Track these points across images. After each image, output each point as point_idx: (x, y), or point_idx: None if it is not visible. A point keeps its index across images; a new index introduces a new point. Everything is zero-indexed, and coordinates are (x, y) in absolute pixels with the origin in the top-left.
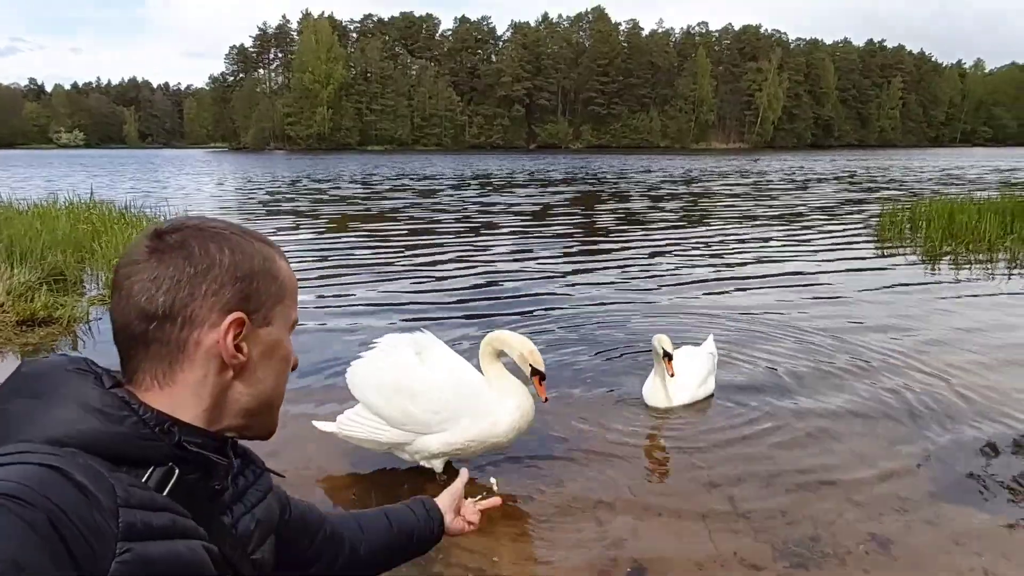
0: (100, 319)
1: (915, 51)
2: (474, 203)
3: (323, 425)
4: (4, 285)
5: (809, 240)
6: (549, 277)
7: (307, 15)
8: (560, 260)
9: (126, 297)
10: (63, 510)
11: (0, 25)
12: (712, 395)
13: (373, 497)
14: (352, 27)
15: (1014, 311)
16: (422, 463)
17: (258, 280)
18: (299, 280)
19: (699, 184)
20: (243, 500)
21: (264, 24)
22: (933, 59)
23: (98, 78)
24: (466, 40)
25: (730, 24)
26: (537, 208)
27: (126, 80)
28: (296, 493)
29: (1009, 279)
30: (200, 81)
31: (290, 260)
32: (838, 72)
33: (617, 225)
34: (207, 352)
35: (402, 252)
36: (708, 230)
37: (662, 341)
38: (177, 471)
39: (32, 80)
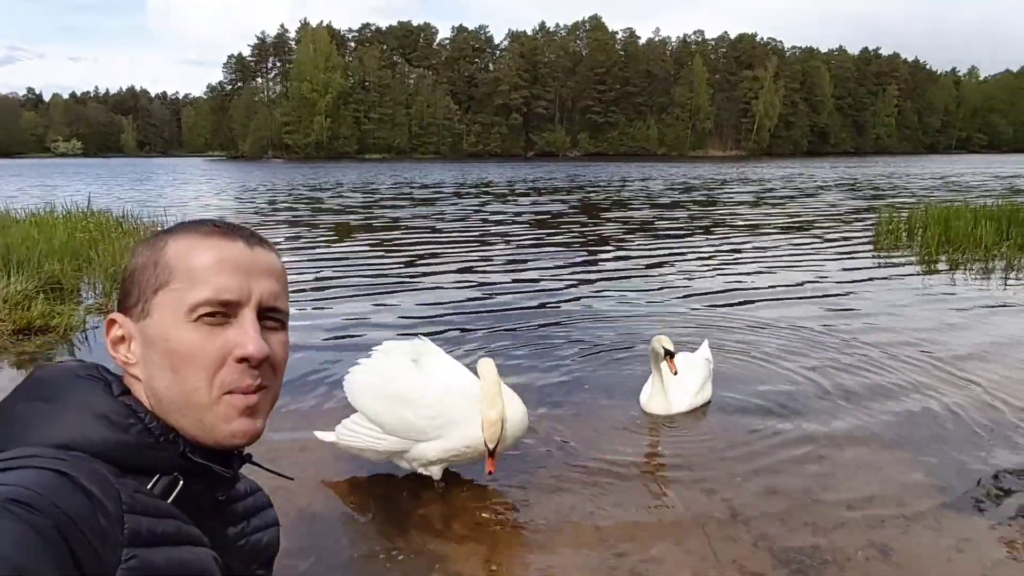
0: (97, 327)
1: (910, 59)
2: (476, 212)
3: (323, 435)
4: (0, 294)
5: (809, 246)
6: (549, 285)
7: (305, 24)
8: (560, 268)
9: None
10: (70, 516)
11: None
12: (710, 402)
13: (372, 505)
14: (350, 36)
15: (1012, 318)
16: (420, 471)
17: (139, 273)
18: (296, 290)
19: (701, 192)
20: (261, 516)
21: (262, 33)
22: (928, 67)
23: (96, 87)
24: (464, 49)
25: (726, 32)
26: (539, 217)
27: (124, 89)
28: (295, 502)
29: (1005, 286)
30: (198, 90)
31: (287, 268)
32: (834, 80)
33: (617, 233)
34: None
35: (404, 261)
36: (710, 237)
37: (662, 341)
38: (181, 481)
39: (30, 89)
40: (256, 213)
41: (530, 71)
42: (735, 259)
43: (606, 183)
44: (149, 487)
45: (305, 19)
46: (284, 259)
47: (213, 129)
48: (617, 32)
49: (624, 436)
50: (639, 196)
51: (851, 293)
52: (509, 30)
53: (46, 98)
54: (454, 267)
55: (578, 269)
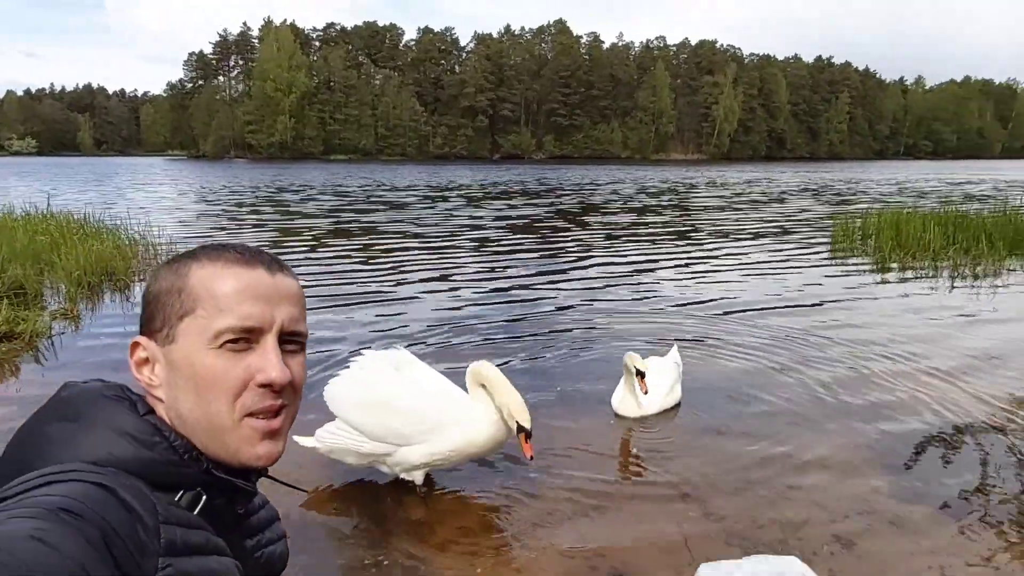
0: (64, 333)
1: (861, 68)
2: (451, 216)
3: (302, 439)
4: None
5: (774, 250)
6: (523, 292)
7: (269, 23)
8: (534, 274)
9: None
10: (113, 527)
11: None
12: (679, 403)
13: (355, 512)
14: (315, 36)
15: (961, 317)
16: (402, 475)
17: (164, 297)
18: None
19: (670, 195)
20: (272, 529)
21: (224, 31)
22: (877, 76)
23: (52, 84)
24: (430, 50)
25: (687, 39)
26: (514, 222)
27: (81, 86)
28: (277, 507)
29: (952, 288)
30: (158, 88)
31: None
32: (790, 87)
33: (590, 238)
34: None
35: (379, 268)
36: (680, 242)
37: (633, 359)
38: (204, 496)
39: None
40: (223, 216)
41: (496, 73)
42: (704, 263)
43: (578, 186)
44: (176, 500)
45: (268, 17)
46: None
47: (173, 128)
48: (582, 36)
49: (598, 439)
50: (611, 200)
51: (815, 297)
52: (475, 32)
53: (0, 95)
54: (430, 274)
55: (551, 274)
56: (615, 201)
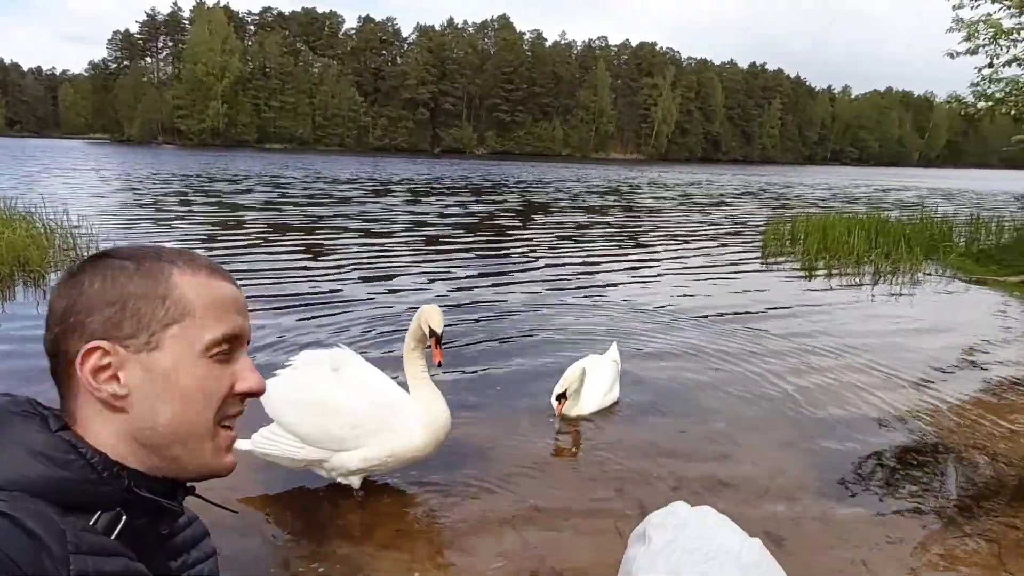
0: None
1: (792, 75)
2: (399, 212)
3: (239, 444)
4: None
5: (711, 250)
6: (468, 287)
7: (201, 4)
8: (477, 271)
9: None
10: (14, 560)
11: None
12: (617, 402)
13: (290, 517)
14: (250, 20)
15: (883, 317)
16: (339, 480)
17: (135, 302)
18: None
19: (615, 195)
20: (191, 549)
21: (153, 10)
22: (808, 83)
23: None
24: (370, 40)
25: (628, 40)
26: (461, 218)
27: None
28: (209, 514)
29: (873, 289)
30: (78, 67)
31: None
32: (725, 91)
33: (535, 235)
34: (83, 386)
35: (325, 267)
36: (627, 242)
37: (567, 381)
38: (124, 516)
39: None
40: (151, 205)
41: (438, 66)
42: (647, 264)
43: (524, 184)
44: (92, 523)
45: None
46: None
47: (95, 110)
48: (525, 33)
49: (538, 437)
50: (559, 199)
51: (745, 299)
52: (417, 24)
53: None
54: (373, 273)
55: (496, 274)
56: (562, 200)
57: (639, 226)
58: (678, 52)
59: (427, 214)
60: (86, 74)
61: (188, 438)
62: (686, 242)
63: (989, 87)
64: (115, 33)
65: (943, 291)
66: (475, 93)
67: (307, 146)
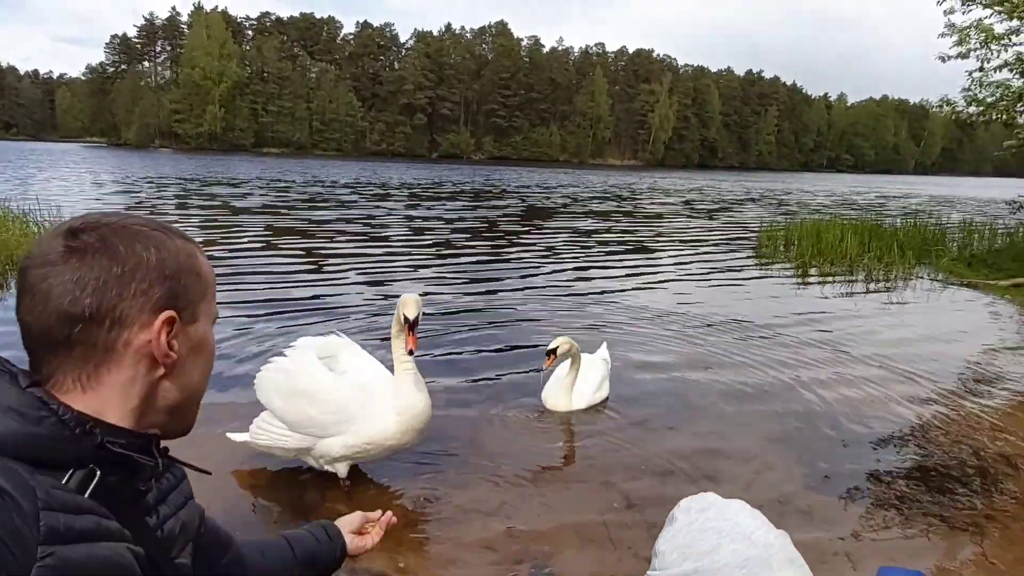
0: None
1: (788, 83)
2: (401, 216)
3: (236, 436)
4: None
5: (701, 254)
6: (466, 290)
7: (199, 8)
8: (472, 276)
9: (43, 300)
10: None
11: None
12: (607, 399)
13: (277, 505)
14: (248, 24)
15: (874, 318)
16: (327, 468)
17: (184, 277)
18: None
19: (616, 200)
20: (167, 502)
21: (151, 14)
22: (804, 91)
23: None
24: (368, 45)
25: (625, 47)
26: (468, 223)
27: None
28: (198, 504)
29: (866, 292)
30: (76, 70)
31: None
32: (722, 98)
33: (536, 240)
34: (137, 352)
35: (329, 267)
36: (629, 245)
37: (561, 340)
38: (99, 473)
39: None
40: (150, 212)
41: (436, 72)
42: (646, 269)
43: (526, 188)
44: (64, 481)
45: (199, 3)
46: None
47: (92, 113)
48: (522, 39)
49: (527, 433)
50: (562, 203)
51: (739, 300)
52: (415, 29)
53: None
54: (373, 277)
55: (491, 275)
56: (566, 204)
57: (644, 231)
58: (675, 59)
59: (427, 218)
60: (83, 77)
61: (197, 399)
62: (688, 246)
63: (980, 91)
64: (113, 37)
65: (934, 294)
66: (472, 98)
67: (304, 151)
